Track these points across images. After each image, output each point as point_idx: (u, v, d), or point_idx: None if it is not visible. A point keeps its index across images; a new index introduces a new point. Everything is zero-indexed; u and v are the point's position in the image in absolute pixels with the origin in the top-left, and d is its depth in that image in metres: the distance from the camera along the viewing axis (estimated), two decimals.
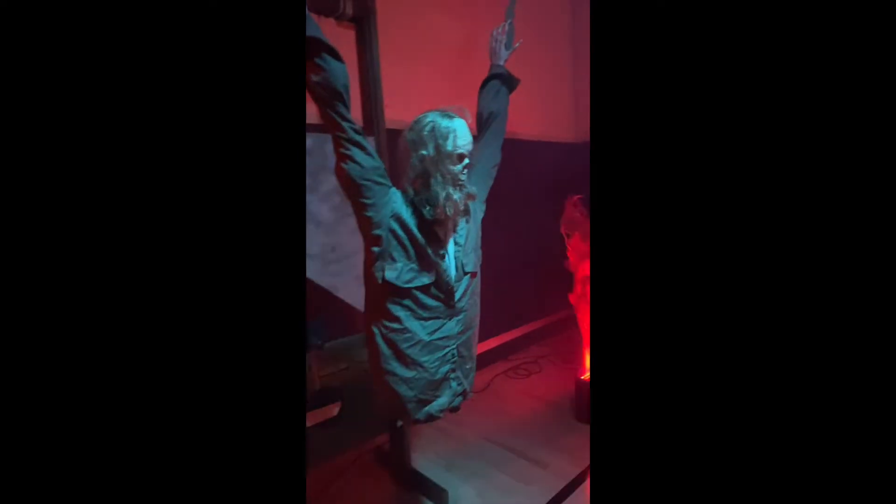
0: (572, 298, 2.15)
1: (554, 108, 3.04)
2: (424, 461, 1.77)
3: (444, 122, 1.06)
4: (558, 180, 2.94)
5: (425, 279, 1.08)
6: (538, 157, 2.84)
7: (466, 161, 1.07)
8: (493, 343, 2.71)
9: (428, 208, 1.05)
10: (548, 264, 2.69)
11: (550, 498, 1.56)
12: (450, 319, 1.14)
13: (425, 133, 1.06)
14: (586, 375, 2.08)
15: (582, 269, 2.13)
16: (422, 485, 1.63)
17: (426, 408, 1.18)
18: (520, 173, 2.66)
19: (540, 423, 2.05)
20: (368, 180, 1.01)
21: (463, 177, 1.07)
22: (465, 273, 1.15)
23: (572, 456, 1.77)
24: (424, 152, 1.05)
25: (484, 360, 2.60)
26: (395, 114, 1.60)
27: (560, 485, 1.62)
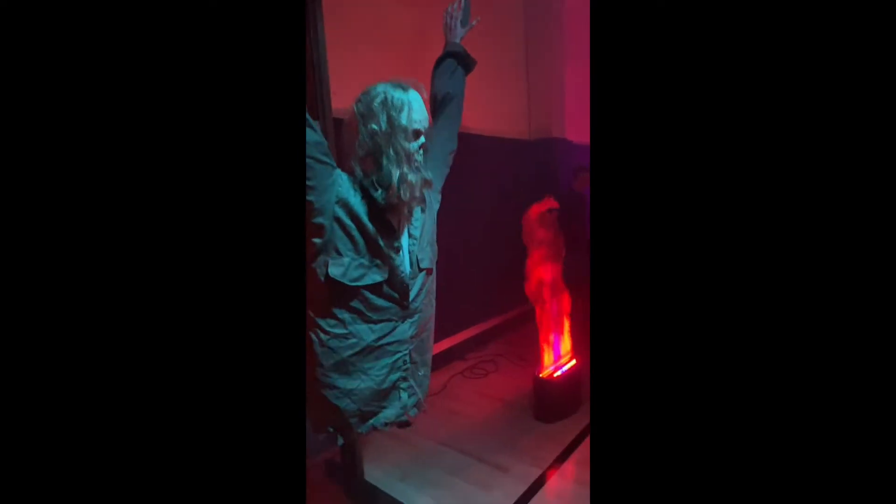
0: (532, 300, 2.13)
1: (506, 105, 3.02)
2: (378, 472, 1.67)
3: (397, 94, 0.93)
4: (512, 177, 2.93)
5: (377, 276, 0.95)
6: (490, 153, 2.80)
7: (422, 140, 0.95)
8: (448, 343, 2.64)
9: (380, 191, 0.92)
10: (502, 260, 2.66)
11: (512, 503, 1.50)
12: (402, 322, 1.02)
13: (376, 104, 0.93)
14: (544, 373, 2.06)
15: (537, 273, 2.11)
16: (377, 498, 1.54)
17: (370, 420, 1.05)
18: (472, 168, 2.62)
19: (498, 425, 2.00)
20: (309, 157, 0.86)
21: (419, 157, 0.95)
22: (421, 269, 1.03)
23: (532, 458, 1.73)
24: (375, 126, 0.92)
25: (440, 361, 2.53)
26: (342, 102, 1.50)
27: (521, 488, 1.57)
